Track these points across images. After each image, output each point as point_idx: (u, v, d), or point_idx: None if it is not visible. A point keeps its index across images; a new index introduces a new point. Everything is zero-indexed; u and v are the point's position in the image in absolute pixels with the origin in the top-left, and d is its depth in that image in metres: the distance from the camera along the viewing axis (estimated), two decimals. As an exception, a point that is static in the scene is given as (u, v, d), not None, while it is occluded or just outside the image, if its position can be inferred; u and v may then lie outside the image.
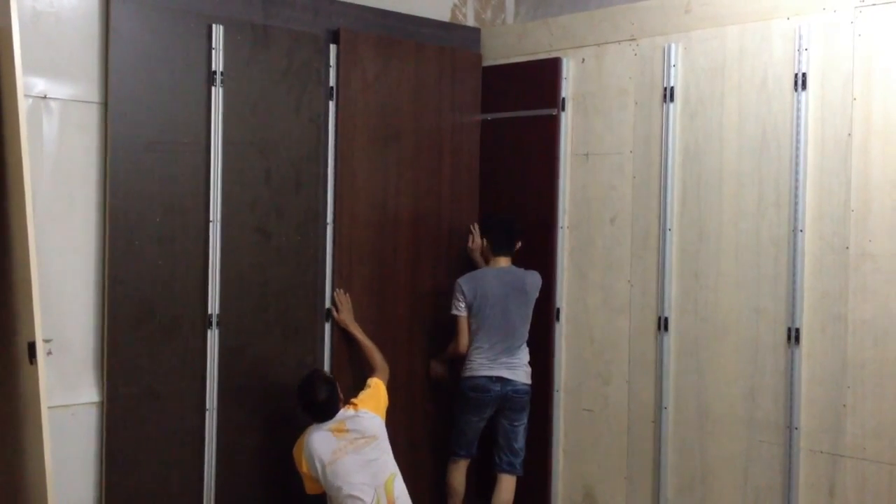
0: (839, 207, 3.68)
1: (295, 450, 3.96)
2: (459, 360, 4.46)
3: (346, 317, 4.32)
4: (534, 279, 4.45)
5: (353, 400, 4.03)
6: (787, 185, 3.81)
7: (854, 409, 3.64)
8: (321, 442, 3.86)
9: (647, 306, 4.25)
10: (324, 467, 3.81)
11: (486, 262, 4.53)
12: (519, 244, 4.49)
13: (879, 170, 3.59)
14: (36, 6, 3.49)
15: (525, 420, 4.41)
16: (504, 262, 4.46)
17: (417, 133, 4.64)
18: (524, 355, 4.42)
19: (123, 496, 3.73)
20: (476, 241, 4.69)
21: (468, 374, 4.38)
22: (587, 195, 4.49)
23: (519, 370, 4.38)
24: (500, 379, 4.34)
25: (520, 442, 4.40)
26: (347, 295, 4.35)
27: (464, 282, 4.40)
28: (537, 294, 4.45)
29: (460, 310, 4.39)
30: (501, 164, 4.82)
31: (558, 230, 4.58)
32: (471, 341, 4.40)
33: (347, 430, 3.88)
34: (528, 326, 4.42)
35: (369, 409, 3.99)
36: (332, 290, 4.33)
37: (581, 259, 4.52)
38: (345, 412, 3.95)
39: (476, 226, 4.75)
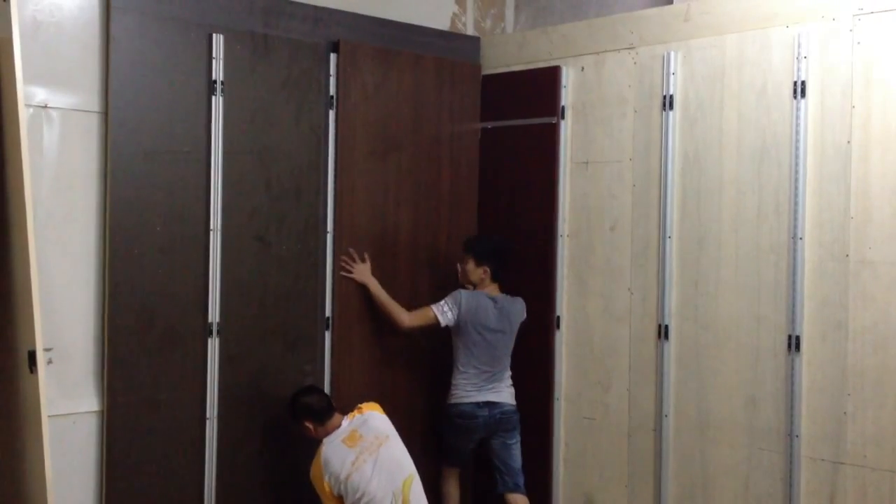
0: (839, 215, 3.68)
1: (313, 473, 3.93)
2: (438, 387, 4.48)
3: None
4: (520, 309, 4.48)
5: (360, 405, 4.04)
6: (786, 192, 3.82)
7: (854, 416, 3.64)
8: (338, 457, 3.84)
9: (648, 314, 4.25)
10: (346, 479, 3.80)
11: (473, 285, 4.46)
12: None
13: (879, 177, 3.59)
14: (37, 16, 3.51)
15: (518, 439, 4.40)
16: (496, 288, 4.47)
17: (417, 142, 4.65)
18: (508, 378, 4.42)
19: (124, 505, 3.74)
20: (358, 265, 4.40)
21: (454, 400, 4.36)
22: (587, 203, 4.50)
23: (504, 392, 4.38)
24: (487, 404, 4.33)
25: (517, 461, 4.38)
26: (355, 252, 4.33)
27: (466, 296, 4.34)
28: (521, 321, 4.48)
29: (442, 311, 4.31)
30: (501, 173, 4.82)
31: (558, 238, 4.58)
32: (456, 364, 4.37)
33: (361, 437, 3.88)
34: (510, 354, 4.43)
35: (375, 410, 4.01)
36: (333, 298, 4.33)
37: (581, 267, 4.52)
38: (351, 421, 3.95)
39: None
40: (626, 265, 4.34)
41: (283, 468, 4.16)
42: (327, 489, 3.86)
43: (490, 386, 4.35)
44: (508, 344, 4.42)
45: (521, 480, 4.38)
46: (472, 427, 4.34)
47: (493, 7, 5.29)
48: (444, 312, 4.33)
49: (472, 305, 4.34)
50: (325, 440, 3.91)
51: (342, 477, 3.80)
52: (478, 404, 4.32)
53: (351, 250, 4.37)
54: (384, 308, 4.36)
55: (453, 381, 4.38)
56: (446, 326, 4.35)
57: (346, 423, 3.95)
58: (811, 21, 3.76)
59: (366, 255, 4.41)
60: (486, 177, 4.89)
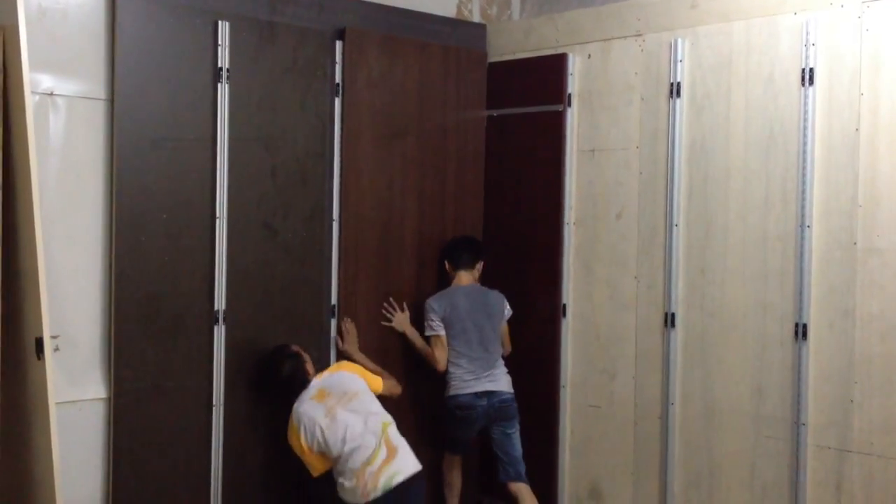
0: (846, 202, 3.67)
1: (289, 435, 3.91)
2: (439, 376, 4.44)
3: (351, 348, 4.32)
4: (497, 299, 4.49)
5: (333, 364, 4.06)
6: (794, 180, 3.80)
7: (861, 404, 3.64)
8: (310, 411, 3.83)
9: (654, 302, 4.24)
10: (322, 431, 3.77)
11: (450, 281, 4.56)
12: (481, 264, 4.58)
13: (887, 165, 3.57)
14: (42, 3, 3.50)
15: (517, 427, 4.40)
16: (466, 278, 4.52)
17: (423, 130, 4.64)
18: (502, 365, 4.44)
19: (131, 491, 3.74)
20: (398, 314, 4.49)
21: (452, 392, 4.36)
22: (593, 191, 4.49)
23: (501, 380, 4.39)
24: (485, 393, 4.34)
25: (517, 450, 4.38)
26: (353, 325, 4.35)
27: (433, 300, 4.42)
28: (505, 312, 4.50)
29: (435, 328, 4.37)
30: (507, 161, 4.81)
31: (564, 226, 4.57)
32: (449, 358, 4.39)
33: (329, 394, 3.87)
34: (500, 342, 4.46)
35: (347, 370, 4.01)
36: (339, 285, 4.33)
37: (587, 255, 4.51)
38: (319, 380, 3.94)
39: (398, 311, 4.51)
40: (632, 253, 4.33)
41: (289, 455, 4.16)
42: (306, 448, 3.84)
43: (486, 374, 4.35)
44: (494, 328, 4.43)
45: (522, 469, 4.38)
46: (472, 417, 4.34)
47: (499, -6, 5.28)
48: (434, 328, 4.38)
49: (442, 301, 4.41)
50: (296, 401, 3.90)
51: (317, 432, 3.78)
52: (476, 394, 4.33)
53: (391, 300, 4.46)
54: (422, 354, 4.42)
55: (449, 374, 4.38)
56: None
57: (316, 381, 3.94)
58: (819, 8, 3.74)
59: (405, 305, 4.49)
60: (491, 165, 4.88)
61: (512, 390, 4.41)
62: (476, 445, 4.63)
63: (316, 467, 3.89)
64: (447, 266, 4.58)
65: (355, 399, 3.86)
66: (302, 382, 3.93)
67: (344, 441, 3.73)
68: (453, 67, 4.76)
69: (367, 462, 3.70)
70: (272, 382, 3.98)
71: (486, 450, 4.55)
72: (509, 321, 4.55)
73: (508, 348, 4.57)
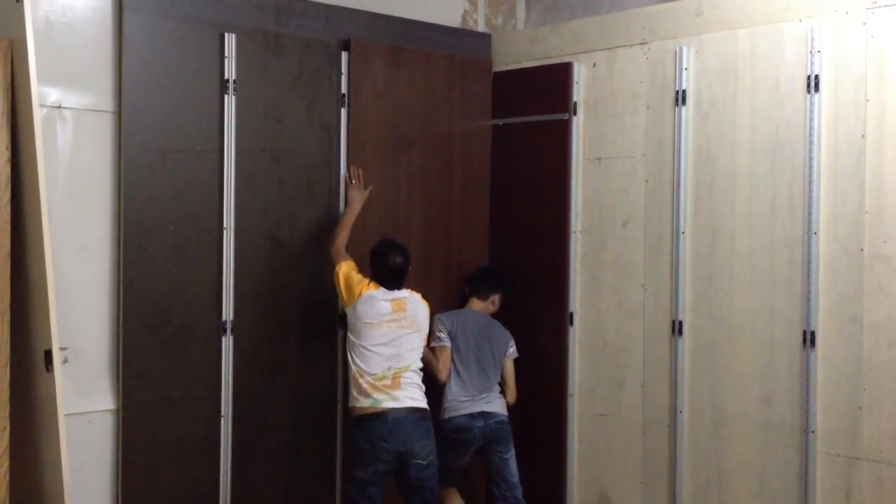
0: (853, 209, 3.67)
1: (346, 267, 4.01)
2: (437, 397, 4.38)
3: (357, 193, 4.29)
4: (502, 333, 4.49)
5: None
6: (800, 187, 3.80)
7: (870, 411, 3.62)
8: (378, 304, 3.93)
9: (661, 310, 4.24)
10: (366, 325, 3.90)
11: None
12: (496, 296, 4.58)
13: (893, 171, 3.57)
14: (50, 17, 3.52)
15: (513, 451, 4.35)
16: (478, 304, 4.55)
17: (428, 140, 4.65)
18: (497, 390, 4.42)
19: (140, 502, 3.74)
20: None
21: (448, 415, 4.31)
22: (600, 199, 4.49)
23: (496, 402, 4.37)
24: (481, 414, 4.30)
25: (514, 475, 4.34)
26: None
27: (444, 315, 4.44)
28: (509, 350, 4.49)
29: (442, 339, 4.35)
30: (513, 170, 4.82)
31: (571, 235, 4.57)
32: (448, 374, 4.38)
33: (404, 309, 3.97)
34: (499, 369, 4.44)
35: (426, 308, 4.10)
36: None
37: (594, 263, 4.51)
38: (408, 293, 4.04)
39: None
40: (639, 261, 4.33)
41: (298, 465, 4.16)
42: (355, 288, 3.94)
43: (482, 396, 4.32)
44: (495, 355, 4.41)
45: (519, 493, 4.34)
46: (469, 440, 4.28)
47: (504, 3, 5.29)
48: (441, 339, 4.37)
49: (451, 318, 4.42)
50: (381, 288, 3.98)
51: (365, 319, 3.90)
52: (472, 415, 4.28)
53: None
54: (427, 364, 4.26)
55: (445, 395, 4.33)
56: None
57: (406, 292, 4.03)
58: (824, 15, 3.75)
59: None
60: (497, 174, 4.88)
61: (506, 413, 4.38)
62: (478, 464, 4.56)
63: (344, 267, 4.01)
64: (466, 289, 4.64)
65: (413, 334, 3.99)
66: (398, 283, 4.02)
67: (377, 345, 3.88)
68: (458, 77, 4.77)
69: (372, 375, 3.88)
70: (375, 263, 4.03)
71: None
72: (515, 360, 4.52)
73: (513, 393, 4.48)
